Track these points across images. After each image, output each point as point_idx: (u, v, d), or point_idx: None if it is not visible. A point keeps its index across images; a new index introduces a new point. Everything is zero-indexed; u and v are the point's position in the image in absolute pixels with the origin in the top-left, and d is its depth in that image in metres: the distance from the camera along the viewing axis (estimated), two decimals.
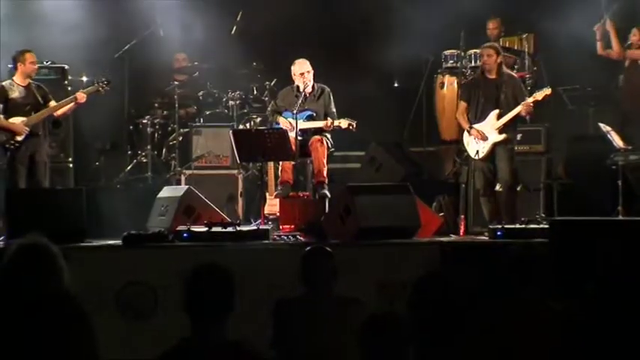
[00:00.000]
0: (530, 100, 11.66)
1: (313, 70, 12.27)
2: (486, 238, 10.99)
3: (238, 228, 10.83)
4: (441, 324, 4.68)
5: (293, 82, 12.37)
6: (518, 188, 12.10)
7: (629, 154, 11.91)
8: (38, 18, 13.61)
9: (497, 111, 11.69)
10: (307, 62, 12.28)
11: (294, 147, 11.80)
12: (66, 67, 13.26)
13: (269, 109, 12.81)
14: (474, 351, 5.12)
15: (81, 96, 11.88)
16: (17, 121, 11.69)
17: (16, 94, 11.79)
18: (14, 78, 11.88)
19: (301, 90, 12.26)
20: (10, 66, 12.31)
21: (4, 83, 11.88)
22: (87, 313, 5.05)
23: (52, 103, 11.94)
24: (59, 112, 12.00)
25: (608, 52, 13.43)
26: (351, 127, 12.01)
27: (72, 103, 11.91)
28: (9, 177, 11.74)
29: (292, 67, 12.34)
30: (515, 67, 13.79)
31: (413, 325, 4.56)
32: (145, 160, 13.86)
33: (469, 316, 5.01)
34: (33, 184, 11.73)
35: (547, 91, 11.85)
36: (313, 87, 12.33)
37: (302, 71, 12.27)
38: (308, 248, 7.18)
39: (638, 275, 7.51)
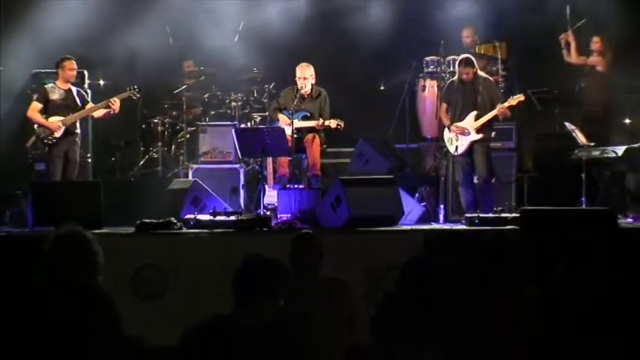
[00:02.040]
0: (505, 105, 11.67)
1: (315, 76, 12.36)
2: (464, 225, 10.98)
3: (240, 217, 10.83)
4: (425, 303, 4.66)
5: (295, 83, 12.42)
6: (493, 180, 12.11)
7: (592, 150, 11.89)
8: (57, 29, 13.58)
9: (475, 112, 11.71)
10: (308, 68, 12.39)
11: (290, 144, 11.82)
12: (85, 72, 13.23)
13: (271, 106, 12.84)
14: (454, 325, 5.10)
15: (114, 101, 11.95)
16: (55, 119, 11.81)
17: (56, 95, 11.99)
18: (56, 82, 12.09)
19: (299, 91, 12.29)
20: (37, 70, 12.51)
21: (46, 86, 12.10)
22: (111, 298, 5.05)
23: (89, 106, 12.01)
24: (95, 114, 12.11)
25: (570, 60, 13.42)
26: (339, 127, 12.15)
27: (107, 108, 11.97)
28: (46, 169, 12.00)
29: (297, 69, 12.41)
30: (494, 68, 13.80)
31: (399, 304, 4.54)
32: (156, 156, 13.84)
33: (449, 295, 4.99)
34: (64, 178, 11.85)
35: (520, 97, 11.89)
36: (312, 89, 12.37)
37: (301, 76, 12.35)
38: (297, 234, 7.16)
39: (600, 259, 7.50)
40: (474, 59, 12.05)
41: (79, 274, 5.01)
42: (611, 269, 6.09)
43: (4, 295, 5.12)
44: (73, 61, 12.05)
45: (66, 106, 11.96)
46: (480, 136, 11.73)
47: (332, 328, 6.55)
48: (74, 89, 12.12)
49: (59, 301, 4.96)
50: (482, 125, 11.71)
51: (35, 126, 11.98)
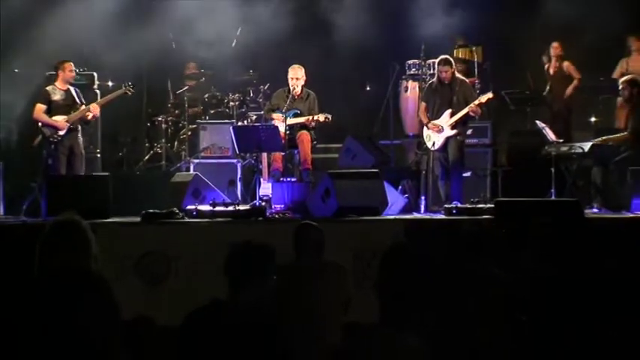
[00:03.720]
0: (475, 102, 11.68)
1: (305, 78, 12.32)
2: (443, 215, 10.97)
3: (237, 207, 10.82)
4: (406, 286, 4.65)
5: (287, 84, 12.39)
6: (467, 174, 12.14)
7: (560, 146, 11.89)
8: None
9: (450, 110, 11.74)
10: (300, 70, 12.37)
11: (283, 140, 11.83)
12: (95, 74, 13.20)
13: (265, 107, 12.82)
14: (434, 308, 5.09)
15: (94, 107, 11.95)
16: (59, 119, 11.80)
17: (57, 96, 11.93)
18: (56, 83, 12.01)
19: (291, 92, 12.28)
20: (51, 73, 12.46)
21: (47, 88, 12.01)
22: (107, 282, 5.02)
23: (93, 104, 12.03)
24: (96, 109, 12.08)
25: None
26: (327, 120, 12.12)
27: (89, 113, 11.91)
28: (52, 164, 11.87)
29: (289, 70, 12.40)
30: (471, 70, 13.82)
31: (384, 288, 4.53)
32: (160, 151, 13.83)
33: (429, 279, 4.97)
34: (71, 171, 11.82)
35: (489, 95, 11.95)
36: (302, 90, 12.36)
37: (292, 76, 12.35)
38: (301, 224, 7.18)
39: (566, 243, 7.52)
40: (451, 59, 12.08)
41: (72, 258, 4.99)
42: (578, 253, 6.12)
43: (17, 280, 5.10)
44: (72, 63, 12.04)
45: (67, 105, 11.91)
46: (454, 131, 11.75)
47: (331, 306, 6.58)
48: (72, 89, 12.06)
49: (54, 284, 4.93)
50: (456, 122, 11.73)
51: (40, 125, 11.89)
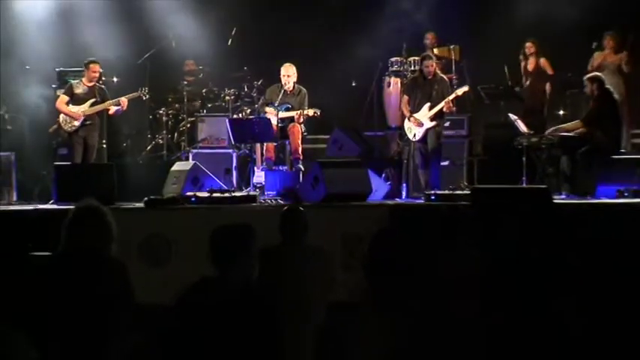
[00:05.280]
0: (452, 97, 11.74)
1: (296, 75, 12.30)
2: (423, 201, 10.97)
3: (233, 194, 10.81)
4: (391, 267, 4.64)
5: (280, 81, 12.37)
6: (445, 163, 12.15)
7: (531, 137, 11.90)
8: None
9: (429, 104, 11.77)
10: (291, 67, 12.36)
11: (275, 131, 11.83)
12: (101, 70, 13.16)
13: (260, 102, 12.80)
14: (416, 286, 5.09)
15: (124, 100, 12.01)
16: (75, 109, 11.89)
17: (80, 90, 12.00)
18: (82, 79, 12.09)
19: (283, 88, 12.25)
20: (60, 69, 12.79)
21: (72, 82, 12.16)
22: (124, 264, 5.02)
23: (107, 102, 12.02)
24: (110, 111, 12.12)
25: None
26: (315, 114, 12.12)
27: (117, 106, 11.98)
28: (68, 153, 12.02)
29: (281, 68, 12.36)
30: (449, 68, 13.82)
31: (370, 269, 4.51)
32: (161, 142, 13.80)
33: (412, 260, 4.97)
34: (84, 161, 11.87)
35: (465, 88, 12.11)
36: (294, 86, 12.35)
37: (284, 74, 12.34)
38: (285, 208, 7.15)
39: (536, 226, 7.53)
40: (432, 55, 12.16)
41: (95, 241, 5.00)
42: (547, 235, 6.13)
43: (30, 261, 5.10)
44: (98, 65, 12.07)
45: (87, 100, 11.93)
46: (433, 123, 11.80)
47: (316, 286, 6.56)
48: (98, 86, 12.12)
49: (78, 265, 4.93)
50: (435, 115, 11.76)
51: (60, 115, 11.96)
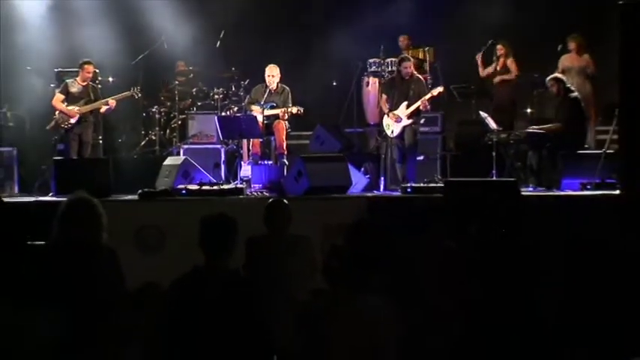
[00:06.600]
0: (427, 96, 11.78)
1: (280, 75, 12.29)
2: (399, 193, 11.01)
3: (222, 187, 10.82)
4: (369, 255, 4.67)
5: (265, 81, 12.36)
6: (420, 158, 12.19)
7: (500, 133, 11.95)
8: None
9: (406, 102, 11.79)
10: (275, 68, 12.37)
11: (261, 128, 11.84)
12: (97, 70, 13.12)
13: (246, 101, 12.78)
14: (392, 272, 5.13)
15: (111, 102, 12.00)
16: (71, 108, 11.89)
17: (74, 89, 12.00)
18: (77, 78, 12.06)
19: (268, 87, 12.26)
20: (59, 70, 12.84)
21: (67, 81, 12.12)
22: (115, 252, 5.03)
23: (100, 101, 12.02)
24: (101, 109, 12.09)
25: (486, 72, 13.53)
26: (299, 112, 12.11)
27: (106, 105, 12.00)
28: (64, 149, 12.02)
29: (266, 69, 12.36)
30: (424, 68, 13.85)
31: (346, 256, 4.54)
32: (154, 138, 13.76)
33: (388, 249, 5.01)
34: (79, 156, 11.86)
35: (440, 89, 12.08)
36: (277, 86, 12.35)
37: (269, 74, 12.34)
38: (270, 200, 7.18)
39: (505, 217, 7.57)
40: (410, 57, 12.19)
41: (87, 230, 5.00)
42: (514, 225, 6.17)
43: (29, 251, 5.09)
44: (92, 66, 12.06)
45: (82, 98, 11.93)
46: (410, 121, 11.83)
47: (299, 274, 6.58)
48: (92, 85, 12.12)
49: (71, 252, 4.93)
50: (412, 113, 11.78)
51: (56, 113, 11.94)
